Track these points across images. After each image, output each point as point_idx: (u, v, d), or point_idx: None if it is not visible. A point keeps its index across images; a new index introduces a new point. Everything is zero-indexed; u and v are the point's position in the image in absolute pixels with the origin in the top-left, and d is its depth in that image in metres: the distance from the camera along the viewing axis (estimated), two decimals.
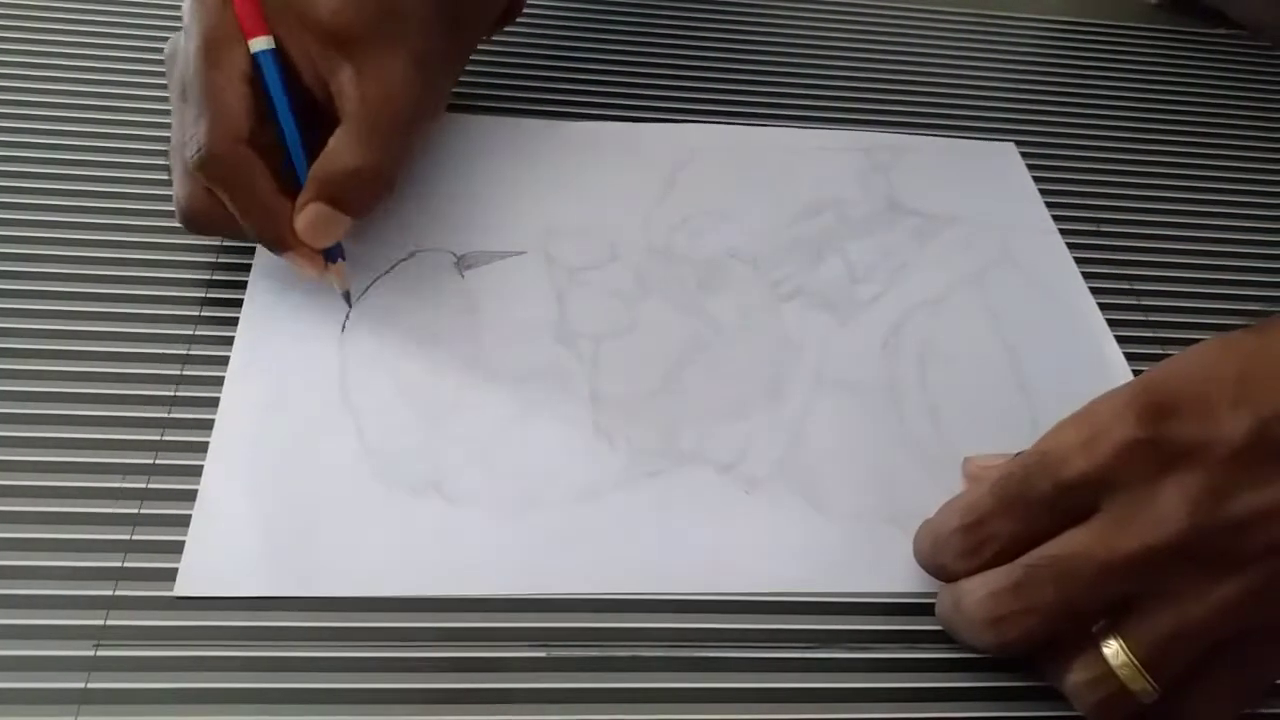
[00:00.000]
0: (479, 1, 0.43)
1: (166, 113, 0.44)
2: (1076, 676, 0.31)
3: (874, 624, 0.34)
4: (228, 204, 0.36)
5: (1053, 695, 0.33)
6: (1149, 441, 0.30)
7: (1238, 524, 0.29)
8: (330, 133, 0.37)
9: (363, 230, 0.41)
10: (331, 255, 0.38)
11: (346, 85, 0.37)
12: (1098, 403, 0.31)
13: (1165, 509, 0.30)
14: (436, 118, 0.41)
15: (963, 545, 0.32)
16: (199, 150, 0.35)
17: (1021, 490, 0.31)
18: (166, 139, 0.44)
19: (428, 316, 0.40)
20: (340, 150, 0.36)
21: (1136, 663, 0.30)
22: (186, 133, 0.36)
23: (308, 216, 0.36)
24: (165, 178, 0.42)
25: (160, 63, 0.42)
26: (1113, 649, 0.30)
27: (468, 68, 0.49)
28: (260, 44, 0.37)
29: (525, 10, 0.53)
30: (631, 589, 0.34)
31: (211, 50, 0.36)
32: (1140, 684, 0.30)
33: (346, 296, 0.39)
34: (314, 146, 0.37)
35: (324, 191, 0.36)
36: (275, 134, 0.37)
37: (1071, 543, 0.31)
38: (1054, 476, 0.31)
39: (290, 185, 0.37)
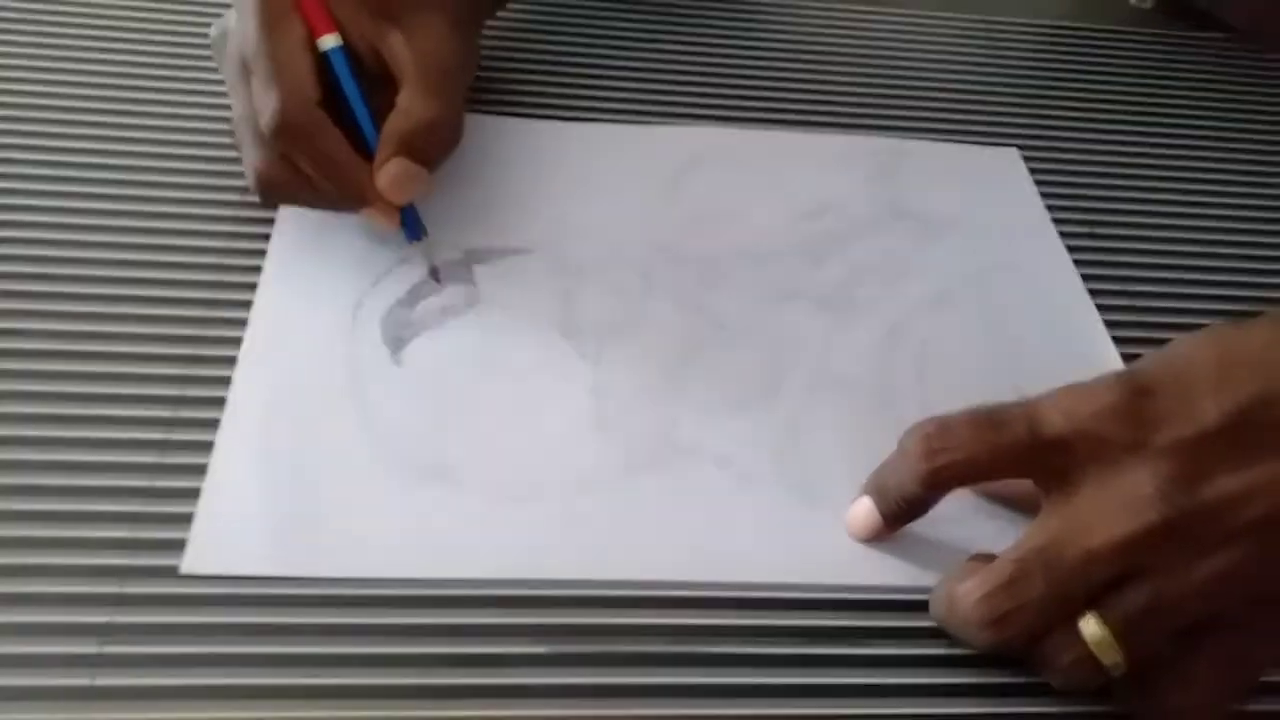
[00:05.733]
0: None
1: (169, 114, 0.45)
2: (1049, 644, 0.32)
3: (870, 620, 0.34)
4: (305, 166, 0.38)
5: (1048, 691, 0.33)
6: (1126, 409, 0.31)
7: (1214, 505, 0.30)
8: (378, 91, 0.40)
9: (371, 225, 0.42)
10: (415, 233, 0.40)
11: (398, 48, 0.40)
12: (1088, 381, 0.32)
13: (1141, 492, 0.30)
14: (472, 77, 0.44)
15: (924, 446, 0.33)
16: (273, 117, 0.37)
17: (997, 428, 0.32)
18: (168, 139, 0.44)
19: (435, 308, 0.40)
20: (411, 107, 0.39)
21: (1110, 635, 0.30)
22: (256, 103, 0.38)
23: (390, 171, 0.38)
24: (167, 178, 0.42)
25: (166, 65, 0.42)
26: (1088, 620, 0.31)
27: (478, 71, 0.50)
28: (329, 41, 0.39)
29: (534, 13, 0.53)
30: (627, 576, 0.34)
31: (272, 22, 0.38)
32: (1111, 657, 0.31)
33: (434, 273, 0.41)
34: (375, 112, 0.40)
35: (402, 147, 0.38)
36: (339, 100, 0.39)
37: (1051, 530, 0.31)
38: (1033, 430, 0.32)
39: (360, 153, 0.39)
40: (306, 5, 0.39)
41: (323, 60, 0.39)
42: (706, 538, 0.35)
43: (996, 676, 0.33)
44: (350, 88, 0.39)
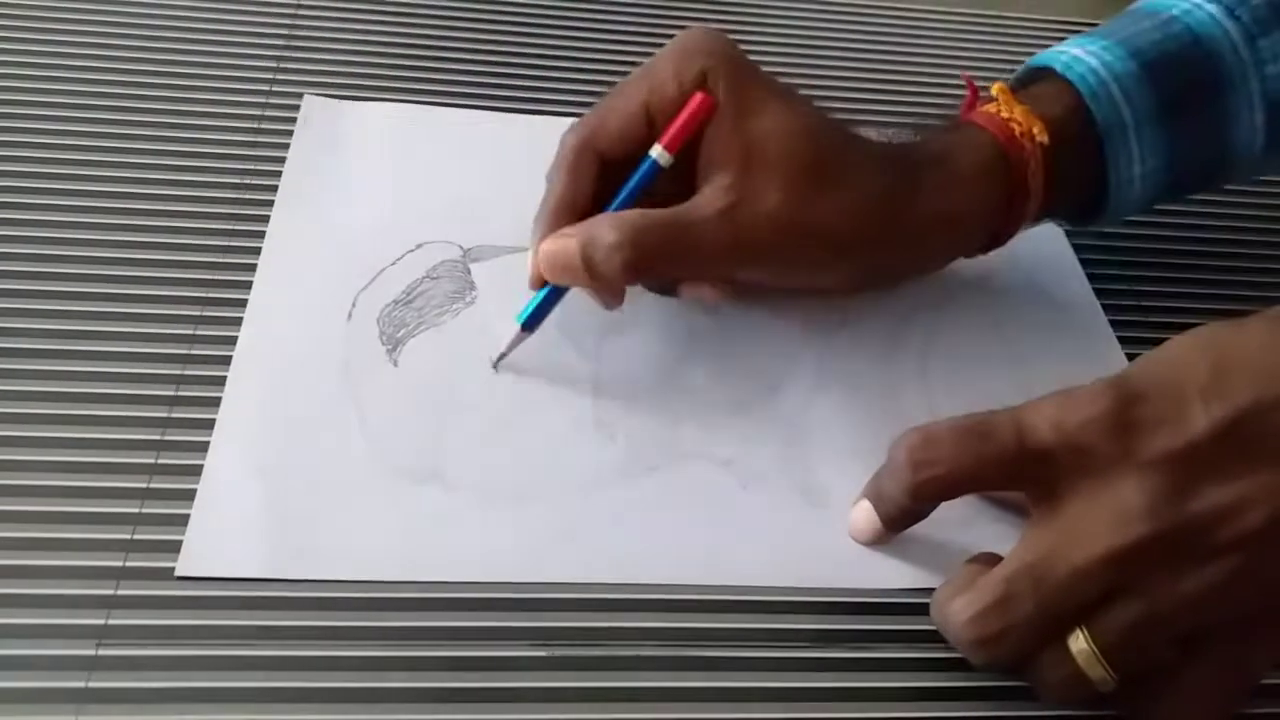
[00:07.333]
0: (926, 223, 0.39)
1: (170, 113, 0.45)
2: (1040, 661, 0.31)
3: (872, 623, 0.34)
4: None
5: None
6: (1115, 418, 0.30)
7: (1203, 518, 0.29)
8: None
9: (371, 222, 0.42)
10: (523, 316, 0.38)
11: (704, 190, 0.37)
12: (1078, 388, 0.32)
13: (1128, 506, 0.30)
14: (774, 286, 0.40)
15: (908, 458, 0.32)
16: (572, 127, 0.38)
17: (983, 439, 0.32)
18: (169, 139, 0.44)
19: (433, 308, 0.40)
20: (623, 224, 0.36)
21: (1096, 651, 0.30)
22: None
23: (551, 243, 0.37)
24: (160, 175, 0.43)
25: (160, 63, 0.41)
26: (1077, 638, 0.30)
27: (474, 66, 0.49)
28: (657, 154, 0.37)
29: (533, 9, 0.53)
30: (627, 579, 0.34)
31: (645, 75, 0.38)
32: (1098, 672, 0.30)
33: (497, 361, 0.38)
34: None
35: (582, 236, 0.36)
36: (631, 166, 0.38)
37: (1040, 546, 0.31)
38: (1020, 441, 0.31)
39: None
40: (682, 117, 0.37)
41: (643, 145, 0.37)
42: (708, 539, 0.35)
43: (1001, 680, 0.33)
44: (625, 192, 0.37)
